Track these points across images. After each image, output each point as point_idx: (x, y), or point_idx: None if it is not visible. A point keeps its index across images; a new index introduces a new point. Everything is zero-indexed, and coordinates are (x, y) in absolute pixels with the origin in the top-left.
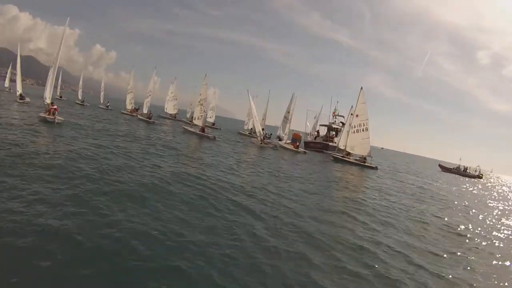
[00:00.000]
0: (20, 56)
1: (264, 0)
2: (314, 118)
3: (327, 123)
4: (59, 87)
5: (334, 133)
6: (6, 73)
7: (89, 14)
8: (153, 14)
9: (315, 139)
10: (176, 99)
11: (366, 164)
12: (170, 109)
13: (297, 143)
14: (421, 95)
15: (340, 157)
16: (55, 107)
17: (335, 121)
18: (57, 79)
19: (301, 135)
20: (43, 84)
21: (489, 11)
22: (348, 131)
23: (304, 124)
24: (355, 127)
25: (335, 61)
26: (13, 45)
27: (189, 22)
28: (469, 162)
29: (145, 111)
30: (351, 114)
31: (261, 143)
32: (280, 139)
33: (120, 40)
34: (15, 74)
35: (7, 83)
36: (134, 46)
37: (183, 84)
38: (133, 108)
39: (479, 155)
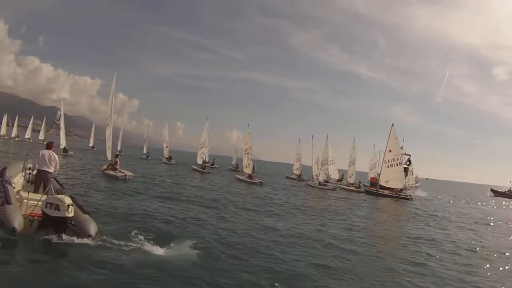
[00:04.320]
0: (44, 107)
1: (284, 39)
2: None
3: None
4: (92, 138)
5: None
6: (28, 123)
7: (110, 64)
8: (175, 60)
9: None
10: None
11: (401, 195)
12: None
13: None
14: (446, 120)
15: (374, 191)
16: (118, 161)
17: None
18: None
19: (378, 178)
20: (68, 134)
21: (503, 27)
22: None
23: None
24: (388, 161)
25: (357, 94)
26: (36, 96)
27: (211, 66)
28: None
29: (199, 161)
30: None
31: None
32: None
33: (142, 87)
34: (39, 125)
35: (28, 134)
36: (156, 93)
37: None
38: (169, 156)
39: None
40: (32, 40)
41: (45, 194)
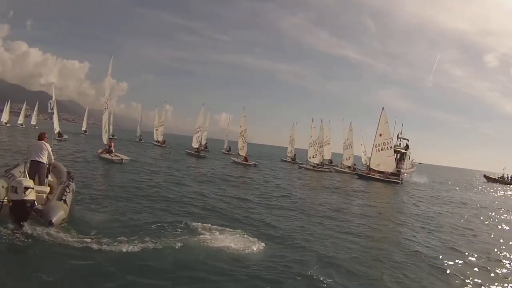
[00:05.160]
0: (32, 91)
1: (271, 22)
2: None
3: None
4: (84, 122)
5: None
6: (19, 109)
7: (98, 47)
8: (163, 43)
9: None
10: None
11: (391, 179)
12: (194, 142)
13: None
14: (436, 105)
15: (365, 174)
16: (113, 145)
17: (399, 143)
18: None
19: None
20: (58, 118)
21: (493, 13)
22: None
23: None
24: (379, 145)
25: (346, 78)
26: (24, 81)
27: (198, 49)
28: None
29: (195, 145)
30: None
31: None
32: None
33: (130, 70)
34: (28, 110)
35: (21, 119)
36: (145, 76)
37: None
38: (163, 140)
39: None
40: (20, 24)
41: (40, 184)
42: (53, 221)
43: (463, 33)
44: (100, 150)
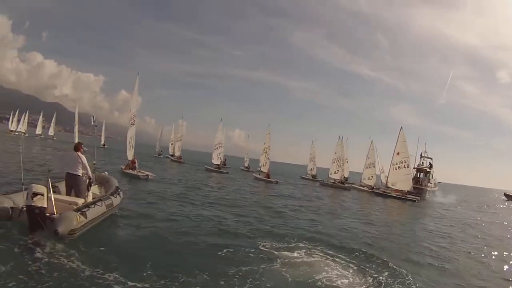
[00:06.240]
0: (46, 102)
1: (285, 37)
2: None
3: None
4: (102, 136)
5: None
6: (34, 119)
7: (113, 61)
8: (177, 58)
9: None
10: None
11: (408, 197)
12: (215, 159)
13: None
14: (449, 122)
15: (382, 192)
16: (136, 161)
17: (422, 162)
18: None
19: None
20: (71, 130)
21: (505, 28)
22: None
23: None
24: (396, 164)
25: (359, 93)
26: (39, 92)
27: (212, 63)
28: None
29: (216, 162)
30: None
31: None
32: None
33: (144, 84)
34: (44, 121)
35: (39, 130)
36: (159, 90)
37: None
38: (180, 155)
39: None
40: (36, 35)
41: (76, 196)
42: (58, 230)
43: (474, 47)
44: (123, 166)
